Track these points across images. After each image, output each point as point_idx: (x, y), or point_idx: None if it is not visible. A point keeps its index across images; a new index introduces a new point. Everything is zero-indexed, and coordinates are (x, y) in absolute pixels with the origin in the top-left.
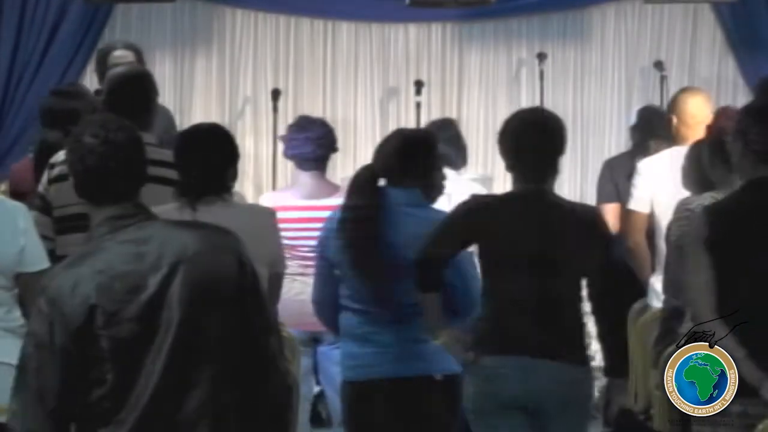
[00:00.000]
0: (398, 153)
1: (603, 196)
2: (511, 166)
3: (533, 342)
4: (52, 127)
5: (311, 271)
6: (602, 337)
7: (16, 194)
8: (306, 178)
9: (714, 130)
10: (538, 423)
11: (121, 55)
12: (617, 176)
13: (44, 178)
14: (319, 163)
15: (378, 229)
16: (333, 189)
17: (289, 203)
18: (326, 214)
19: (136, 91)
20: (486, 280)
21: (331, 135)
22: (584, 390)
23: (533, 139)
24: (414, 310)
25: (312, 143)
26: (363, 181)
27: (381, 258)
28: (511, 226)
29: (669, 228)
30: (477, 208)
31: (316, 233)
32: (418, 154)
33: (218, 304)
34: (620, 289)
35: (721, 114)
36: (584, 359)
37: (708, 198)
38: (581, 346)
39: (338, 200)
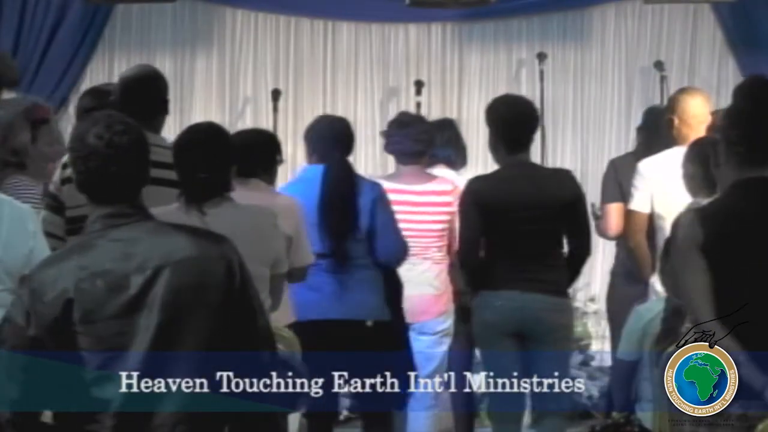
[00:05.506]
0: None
1: (607, 197)
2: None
3: (523, 281)
4: None
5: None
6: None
7: None
8: (405, 170)
9: (714, 131)
10: (528, 345)
11: None
12: (622, 176)
13: (56, 177)
14: (417, 158)
15: (341, 199)
16: (429, 177)
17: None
18: (425, 198)
19: (147, 93)
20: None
21: (429, 131)
22: (566, 316)
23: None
24: (357, 263)
25: (410, 140)
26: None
27: (345, 221)
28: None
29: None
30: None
31: (420, 215)
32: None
33: (200, 312)
34: None
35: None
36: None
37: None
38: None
39: (437, 186)
